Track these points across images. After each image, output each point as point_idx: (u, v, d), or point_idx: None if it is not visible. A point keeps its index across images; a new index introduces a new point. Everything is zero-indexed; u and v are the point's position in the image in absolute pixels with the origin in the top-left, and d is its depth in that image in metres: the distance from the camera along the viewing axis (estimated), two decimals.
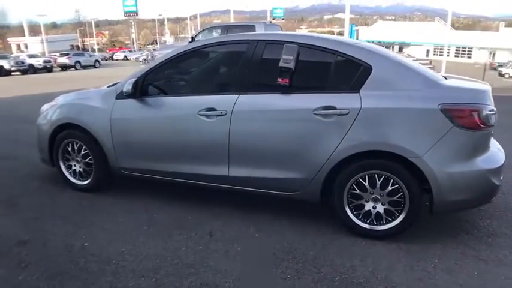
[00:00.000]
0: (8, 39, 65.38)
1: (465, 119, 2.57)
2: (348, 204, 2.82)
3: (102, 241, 2.78)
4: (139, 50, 60.26)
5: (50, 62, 29.44)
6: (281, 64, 2.81)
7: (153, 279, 2.34)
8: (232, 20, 36.35)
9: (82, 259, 2.56)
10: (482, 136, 2.67)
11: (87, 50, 56.65)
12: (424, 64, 8.15)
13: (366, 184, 2.74)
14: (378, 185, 2.72)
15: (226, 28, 11.49)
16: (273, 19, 36.52)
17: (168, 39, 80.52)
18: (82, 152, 3.56)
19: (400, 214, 2.74)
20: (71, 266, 2.48)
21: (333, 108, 2.70)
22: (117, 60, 50.17)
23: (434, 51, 54.45)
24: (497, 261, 2.60)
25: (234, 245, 2.73)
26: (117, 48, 67.62)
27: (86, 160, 3.56)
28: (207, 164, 3.08)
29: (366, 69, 2.73)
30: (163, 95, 3.30)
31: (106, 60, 47.97)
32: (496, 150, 2.90)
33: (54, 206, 3.39)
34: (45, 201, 3.50)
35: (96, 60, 35.00)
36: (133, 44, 64.23)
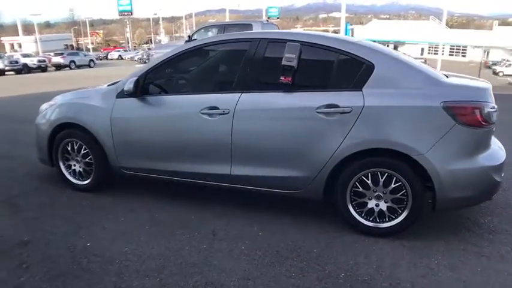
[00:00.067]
0: (2, 38, 64.89)
1: (467, 117, 2.58)
2: (351, 202, 2.82)
3: (104, 241, 2.76)
4: (134, 49, 59.98)
5: (44, 61, 29.23)
6: (284, 62, 2.80)
7: (157, 278, 2.33)
8: (227, 19, 36.31)
9: (84, 259, 2.54)
10: (484, 133, 2.69)
11: (82, 50, 56.33)
12: None
13: (369, 182, 2.74)
14: (381, 183, 2.72)
15: (223, 27, 11.46)
16: (268, 18, 36.49)
17: (163, 38, 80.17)
18: (82, 152, 3.53)
19: (402, 212, 2.75)
20: (73, 267, 2.46)
21: (336, 106, 2.70)
22: (111, 59, 49.91)
23: (429, 50, 54.75)
24: (499, 258, 2.62)
25: (238, 243, 2.72)
26: (111, 48, 67.33)
27: (86, 160, 3.54)
28: (209, 163, 3.07)
29: (369, 68, 2.73)
30: (165, 93, 3.29)
31: (101, 59, 47.74)
32: (496, 148, 2.92)
33: (54, 206, 3.36)
34: (44, 201, 3.47)
35: (91, 60, 34.82)
36: (128, 43, 63.88)
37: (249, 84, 2.95)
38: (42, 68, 28.32)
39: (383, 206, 2.77)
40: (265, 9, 40.38)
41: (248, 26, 10.80)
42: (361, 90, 2.70)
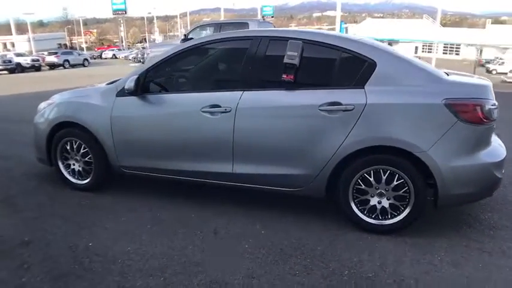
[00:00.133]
0: None
1: (469, 114, 2.60)
2: (353, 199, 2.83)
3: (106, 241, 2.74)
4: (128, 48, 59.66)
5: (38, 60, 28.99)
6: (286, 60, 2.79)
7: (161, 278, 2.32)
8: (222, 17, 36.24)
9: (86, 259, 2.52)
10: (485, 130, 2.70)
11: (75, 49, 55.97)
12: None
13: (372, 179, 2.75)
14: (383, 180, 2.73)
15: (219, 26, 11.40)
16: (263, 17, 36.48)
17: (157, 37, 79.78)
18: (81, 151, 3.50)
19: (405, 209, 2.75)
20: (75, 267, 2.44)
21: (339, 104, 2.70)
22: (106, 58, 49.62)
23: (423, 48, 55.04)
24: (500, 253, 2.64)
25: (241, 242, 2.71)
26: (105, 47, 66.97)
27: (86, 159, 3.50)
28: (210, 161, 3.06)
29: (371, 65, 2.73)
30: (166, 92, 3.26)
31: (95, 58, 47.46)
32: (497, 145, 2.93)
33: (54, 206, 3.33)
34: (43, 200, 3.43)
35: (85, 59, 34.60)
36: (122, 42, 63.52)
37: (250, 82, 2.94)
38: (36, 68, 28.08)
39: (385, 203, 2.78)
40: (260, 7, 40.40)
41: (244, 25, 10.76)
42: (364, 88, 2.70)
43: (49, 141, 3.60)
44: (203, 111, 2.97)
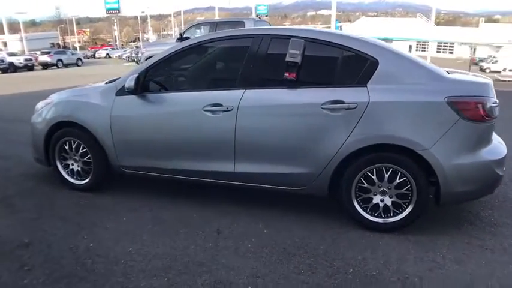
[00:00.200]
0: None
1: (471, 112, 2.60)
2: (356, 197, 2.82)
3: (108, 241, 2.71)
4: (122, 47, 59.34)
5: (31, 60, 28.75)
6: (288, 58, 2.78)
7: (165, 278, 2.30)
8: (217, 16, 36.13)
9: (88, 260, 2.49)
10: (486, 128, 2.71)
11: (68, 48, 55.55)
12: None
13: (374, 177, 2.75)
14: (385, 178, 2.73)
15: (215, 24, 11.36)
16: (257, 16, 36.44)
17: (151, 36, 79.36)
18: (80, 151, 3.46)
19: (407, 206, 2.76)
20: (77, 268, 2.41)
21: (341, 102, 2.69)
22: (99, 58, 49.36)
23: (417, 47, 55.31)
24: (502, 250, 2.65)
25: (244, 241, 2.70)
26: (99, 46, 66.59)
27: (85, 159, 3.47)
28: (212, 161, 3.04)
29: (373, 63, 2.73)
30: (166, 91, 3.23)
31: (88, 58, 47.19)
32: (497, 143, 2.95)
33: (53, 206, 3.29)
34: (42, 201, 3.39)
35: (79, 59, 34.36)
36: (116, 41, 63.15)
37: (252, 80, 2.93)
38: (28, 67, 27.84)
39: (388, 201, 2.78)
40: (254, 6, 40.36)
41: (240, 24, 10.74)
42: (366, 86, 2.70)
43: (47, 141, 3.56)
44: (205, 110, 2.95)
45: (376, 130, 2.67)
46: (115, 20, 58.93)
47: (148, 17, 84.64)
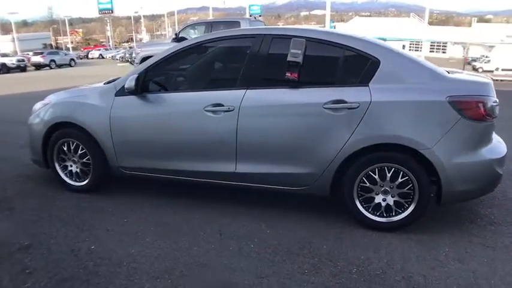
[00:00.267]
0: None
1: (472, 111, 2.62)
2: (358, 197, 2.83)
3: (109, 243, 2.69)
4: (115, 48, 59.01)
5: (23, 61, 28.47)
6: (289, 58, 2.78)
7: (168, 280, 2.28)
8: (211, 16, 36.08)
9: (90, 262, 2.46)
10: (487, 127, 2.73)
11: (61, 49, 55.10)
12: None
13: (376, 177, 2.75)
14: (388, 178, 2.74)
15: (211, 25, 11.33)
16: (250, 16, 36.42)
17: (144, 36, 78.99)
18: (79, 152, 3.43)
19: (409, 206, 2.76)
20: (80, 270, 2.38)
21: (343, 102, 2.70)
22: (92, 58, 49.04)
23: (410, 47, 55.63)
24: (503, 248, 2.67)
25: (247, 242, 2.69)
26: (92, 47, 66.16)
27: (84, 160, 3.44)
28: (213, 161, 3.02)
29: (374, 63, 2.73)
30: (167, 91, 3.22)
31: (81, 58, 46.87)
32: (497, 142, 2.97)
33: (52, 208, 3.25)
34: (41, 203, 3.35)
35: (72, 59, 34.10)
36: (109, 42, 62.79)
37: (254, 80, 2.92)
38: (21, 68, 27.57)
39: (390, 200, 2.79)
40: (248, 6, 40.35)
41: (236, 24, 10.72)
42: (368, 86, 2.70)
43: (45, 142, 3.52)
44: (206, 110, 2.93)
45: (378, 130, 2.67)
46: (108, 20, 58.63)
47: (142, 17, 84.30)
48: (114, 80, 3.47)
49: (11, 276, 2.33)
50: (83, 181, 3.51)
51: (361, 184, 2.80)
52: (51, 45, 65.19)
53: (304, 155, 2.81)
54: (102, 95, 3.32)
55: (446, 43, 55.45)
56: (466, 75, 3.08)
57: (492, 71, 29.21)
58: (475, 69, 33.36)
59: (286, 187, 2.95)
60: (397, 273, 2.36)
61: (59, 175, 3.57)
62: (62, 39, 74.77)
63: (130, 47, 50.50)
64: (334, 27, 48.07)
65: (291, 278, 2.30)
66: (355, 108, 2.67)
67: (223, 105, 2.90)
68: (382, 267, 2.42)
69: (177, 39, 10.71)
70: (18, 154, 4.63)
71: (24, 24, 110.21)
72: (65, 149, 3.48)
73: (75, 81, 14.21)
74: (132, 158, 3.26)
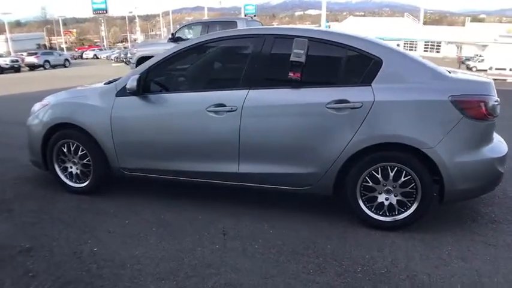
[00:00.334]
0: None
1: (474, 110, 2.63)
2: (361, 196, 2.83)
3: (112, 245, 2.67)
4: (110, 48, 58.74)
5: (17, 61, 28.22)
6: (292, 58, 2.77)
7: (173, 282, 2.26)
8: (206, 16, 36.02)
9: (94, 265, 2.44)
10: (488, 126, 2.75)
11: (55, 49, 54.68)
12: None
13: (379, 176, 2.76)
14: (390, 177, 2.74)
15: (207, 25, 11.31)
16: (245, 15, 36.40)
17: (139, 36, 78.69)
18: (79, 153, 3.40)
19: (412, 205, 2.77)
20: (83, 273, 2.36)
21: (346, 101, 2.70)
22: (87, 58, 48.76)
23: (404, 47, 55.88)
24: (506, 246, 2.69)
25: (251, 242, 2.68)
26: (86, 47, 65.75)
27: (84, 161, 3.41)
28: (215, 161, 3.02)
29: (377, 63, 2.74)
30: (169, 91, 3.20)
31: (75, 59, 46.53)
32: (497, 141, 2.99)
33: (52, 210, 3.22)
34: (41, 205, 3.32)
35: (66, 59, 33.83)
36: (104, 42, 62.46)
37: (256, 80, 2.91)
38: (15, 68, 27.33)
39: (393, 199, 2.79)
40: (243, 6, 40.37)
41: (233, 23, 10.70)
42: (371, 86, 2.71)
43: (44, 143, 3.49)
44: (208, 111, 2.92)
45: (381, 129, 2.68)
46: (102, 21, 58.30)
47: (136, 17, 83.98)
48: (114, 81, 3.44)
49: (13, 279, 2.31)
50: (83, 182, 3.49)
51: (364, 183, 2.80)
52: (45, 45, 64.70)
53: (307, 155, 2.81)
54: (102, 96, 3.30)
55: (440, 43, 55.75)
56: (467, 74, 3.10)
57: (486, 70, 29.40)
58: (468, 68, 33.56)
59: (289, 187, 2.95)
60: (402, 272, 2.37)
61: (59, 177, 3.54)
62: (55, 40, 74.27)
63: (125, 47, 50.27)
64: (329, 27, 48.19)
65: (296, 278, 2.30)
66: (358, 108, 2.68)
67: (225, 106, 2.89)
68: (386, 266, 2.43)
69: (174, 39, 10.68)
70: (16, 155, 4.59)
71: (17, 25, 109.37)
72: (65, 150, 3.45)
73: (70, 81, 14.10)
74: (133, 159, 3.24)
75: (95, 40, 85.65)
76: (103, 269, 2.39)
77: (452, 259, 2.52)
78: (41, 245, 2.68)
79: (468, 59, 37.69)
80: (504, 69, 29.48)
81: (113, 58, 38.34)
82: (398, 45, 54.18)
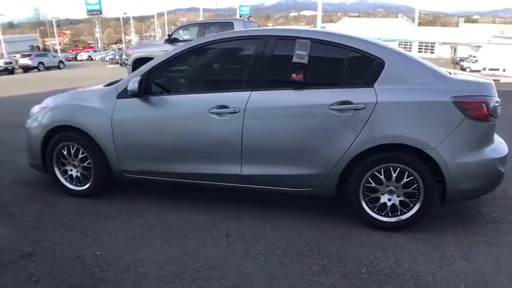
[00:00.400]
0: None
1: (476, 111, 2.65)
2: (364, 197, 2.84)
3: (115, 248, 2.65)
4: (104, 49, 58.49)
5: (11, 63, 27.94)
6: (295, 59, 2.78)
7: (179, 285, 2.25)
8: (201, 17, 36.00)
9: (97, 268, 2.42)
10: (489, 127, 2.77)
11: (49, 51, 54.29)
12: None
13: (382, 177, 2.77)
14: (393, 178, 2.75)
15: (204, 26, 11.29)
16: (240, 16, 36.43)
17: (134, 38, 78.38)
18: (80, 156, 3.38)
19: (414, 205, 2.78)
20: (87, 277, 2.34)
21: (349, 103, 2.70)
22: (81, 60, 48.53)
23: (399, 47, 56.18)
24: (507, 246, 2.70)
25: (254, 244, 2.68)
26: (80, 48, 65.35)
27: (84, 164, 3.39)
28: (218, 163, 3.01)
29: (379, 64, 2.75)
30: (170, 93, 3.19)
31: (70, 60, 46.27)
32: (498, 142, 3.01)
33: (53, 214, 3.19)
34: (41, 208, 3.29)
35: (61, 61, 33.56)
36: (98, 43, 62.18)
37: (259, 82, 2.91)
38: (9, 70, 27.04)
39: (395, 200, 2.80)
40: (238, 7, 40.41)
41: (229, 25, 10.69)
42: (373, 87, 2.72)
43: (44, 146, 3.46)
44: (211, 112, 2.91)
45: (384, 130, 2.69)
46: (96, 22, 58.06)
47: (131, 18, 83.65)
48: (114, 82, 3.42)
49: (15, 285, 2.28)
50: (84, 185, 3.46)
51: (366, 184, 2.81)
52: (38, 47, 64.33)
53: (310, 156, 2.81)
54: (103, 98, 3.28)
55: (434, 43, 56.13)
56: (467, 76, 3.12)
57: (479, 71, 29.67)
58: (462, 68, 33.84)
59: (292, 188, 2.95)
60: (406, 272, 2.38)
61: (59, 180, 3.51)
62: (49, 41, 73.74)
63: (119, 49, 50.08)
64: (324, 28, 48.33)
65: (301, 280, 2.30)
66: (361, 109, 2.69)
67: (228, 107, 2.88)
68: (390, 266, 2.43)
69: (170, 40, 10.66)
70: (14, 158, 4.55)
71: (10, 26, 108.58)
72: (65, 153, 3.43)
73: (65, 83, 14.03)
74: (134, 161, 3.23)
75: (89, 42, 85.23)
76: (107, 273, 2.37)
77: (455, 259, 2.53)
78: (43, 249, 2.66)
79: (462, 60, 38.02)
80: (497, 69, 29.77)
81: (107, 60, 38.18)
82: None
